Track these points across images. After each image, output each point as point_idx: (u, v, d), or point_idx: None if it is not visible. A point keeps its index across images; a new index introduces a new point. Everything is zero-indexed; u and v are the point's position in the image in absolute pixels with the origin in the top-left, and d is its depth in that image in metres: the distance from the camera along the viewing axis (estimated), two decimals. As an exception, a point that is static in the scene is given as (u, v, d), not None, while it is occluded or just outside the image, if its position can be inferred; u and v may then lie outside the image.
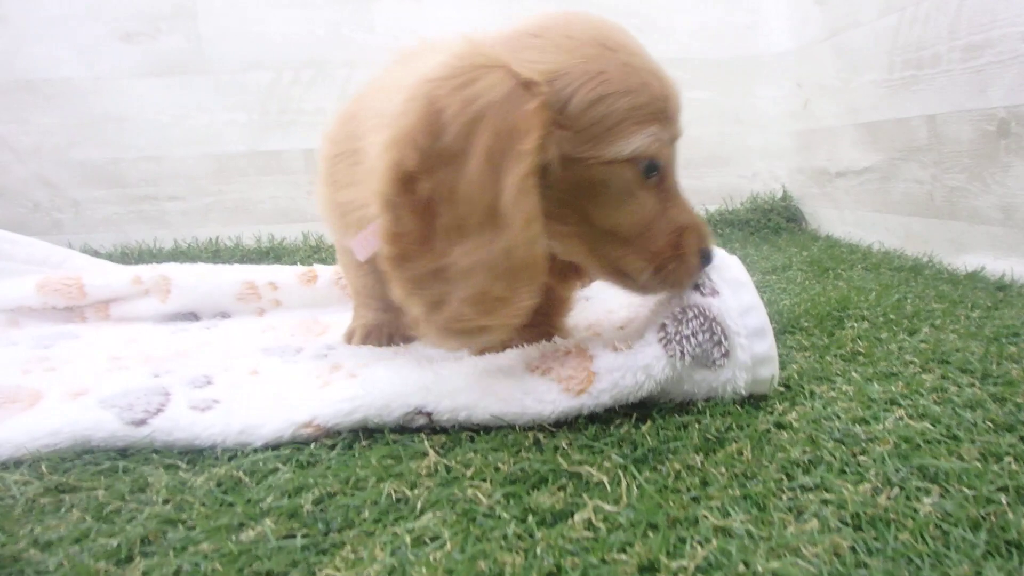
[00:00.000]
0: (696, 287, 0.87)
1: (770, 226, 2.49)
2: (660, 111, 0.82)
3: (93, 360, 1.11)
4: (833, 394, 0.87)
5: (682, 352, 0.82)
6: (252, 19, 2.49)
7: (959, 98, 1.62)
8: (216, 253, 2.40)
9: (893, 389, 0.87)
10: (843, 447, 0.72)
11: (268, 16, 2.50)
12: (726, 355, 0.84)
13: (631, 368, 0.82)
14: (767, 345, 0.84)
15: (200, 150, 2.56)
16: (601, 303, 1.27)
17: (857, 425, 0.77)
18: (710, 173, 2.64)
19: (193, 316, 1.44)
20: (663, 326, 0.85)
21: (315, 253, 2.29)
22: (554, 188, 0.79)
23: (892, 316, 1.20)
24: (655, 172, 0.83)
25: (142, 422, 0.81)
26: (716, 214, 2.58)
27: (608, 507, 0.62)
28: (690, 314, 0.84)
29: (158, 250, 2.46)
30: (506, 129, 0.73)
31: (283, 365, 0.99)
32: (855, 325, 1.17)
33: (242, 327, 1.34)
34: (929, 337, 1.08)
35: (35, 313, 1.42)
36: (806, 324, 1.19)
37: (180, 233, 2.55)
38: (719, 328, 0.84)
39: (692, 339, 0.83)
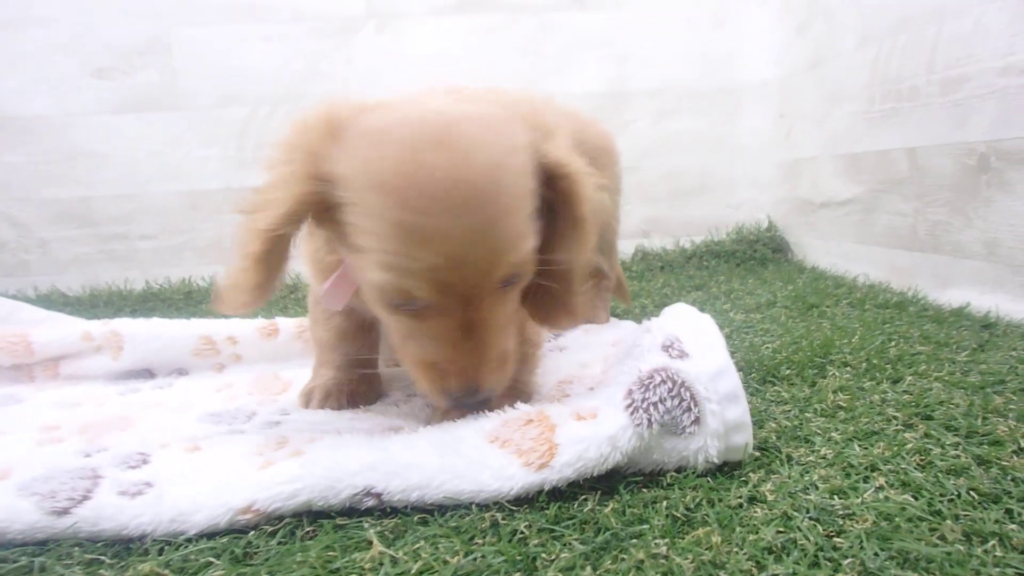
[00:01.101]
0: (664, 348, 0.81)
1: (756, 257, 2.46)
2: (405, 268, 0.79)
3: (27, 431, 1.05)
4: (812, 459, 0.82)
5: (649, 420, 0.77)
6: (228, 53, 2.46)
7: (939, 131, 1.59)
8: (188, 295, 2.34)
9: (874, 452, 0.82)
10: (818, 527, 0.67)
11: (244, 50, 2.47)
12: (696, 422, 0.78)
13: (596, 439, 0.76)
14: (740, 411, 0.79)
15: (174, 187, 2.51)
16: (574, 355, 1.22)
17: (835, 497, 0.72)
18: (694, 203, 2.61)
19: (148, 373, 1.37)
20: (629, 392, 0.79)
21: (291, 293, 2.23)
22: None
23: (875, 361, 1.15)
24: (404, 305, 0.83)
25: (64, 511, 0.75)
26: (702, 245, 2.55)
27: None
28: (657, 379, 0.79)
29: (128, 291, 2.41)
30: (272, 195, 0.86)
31: (228, 438, 0.93)
32: (837, 373, 1.12)
33: (198, 386, 1.28)
34: (912, 386, 1.03)
35: (-18, 372, 1.35)
36: (787, 372, 1.14)
37: (152, 273, 2.50)
38: (688, 394, 0.78)
39: (660, 406, 0.77)
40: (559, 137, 0.89)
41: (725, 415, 0.78)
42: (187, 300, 2.27)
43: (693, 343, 0.81)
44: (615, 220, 1.60)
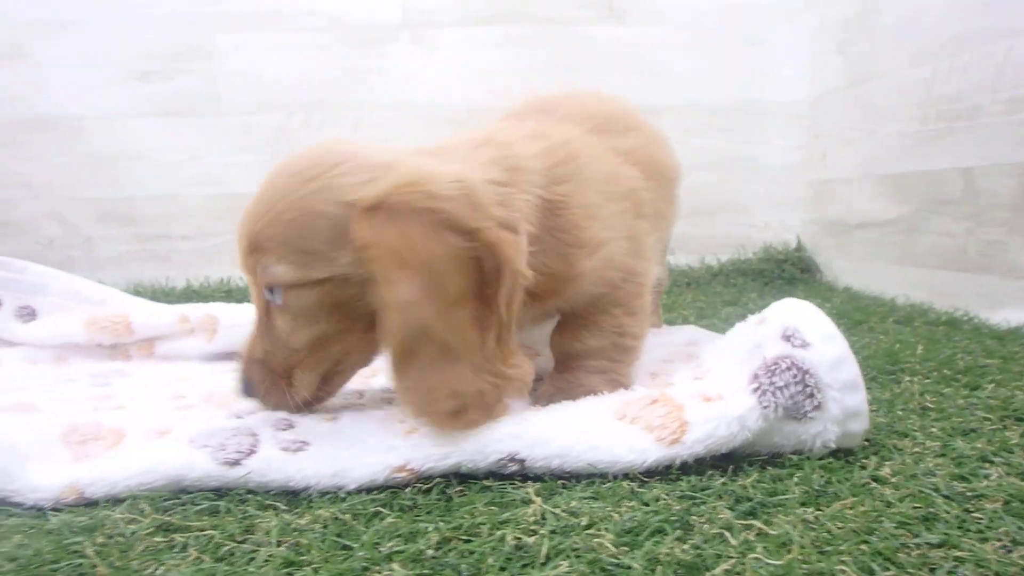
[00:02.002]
0: (785, 338, 0.87)
1: (784, 276, 2.50)
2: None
3: (158, 399, 1.10)
4: (918, 450, 0.87)
5: (775, 404, 0.83)
6: (265, 61, 2.53)
7: (1001, 151, 1.63)
8: (228, 293, 2.39)
9: (979, 446, 0.87)
10: (953, 504, 0.72)
11: (280, 57, 2.53)
12: (818, 408, 0.84)
13: (725, 419, 0.82)
14: (859, 399, 0.85)
15: (210, 190, 2.58)
16: (651, 352, 1.27)
17: (956, 482, 0.77)
18: (719, 221, 2.65)
19: (237, 356, 1.42)
20: (755, 376, 0.85)
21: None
22: None
23: (947, 372, 1.21)
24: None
25: (236, 462, 0.81)
26: (728, 263, 2.59)
27: (741, 561, 0.62)
28: (783, 365, 0.85)
29: (169, 289, 2.46)
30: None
31: (356, 410, 0.99)
32: (913, 379, 1.17)
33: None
34: (995, 393, 1.08)
35: (81, 350, 1.41)
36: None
37: (190, 272, 2.56)
38: (812, 380, 0.84)
39: (785, 391, 0.83)
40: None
41: (845, 402, 0.84)
42: (228, 299, 2.30)
43: (812, 333, 0.87)
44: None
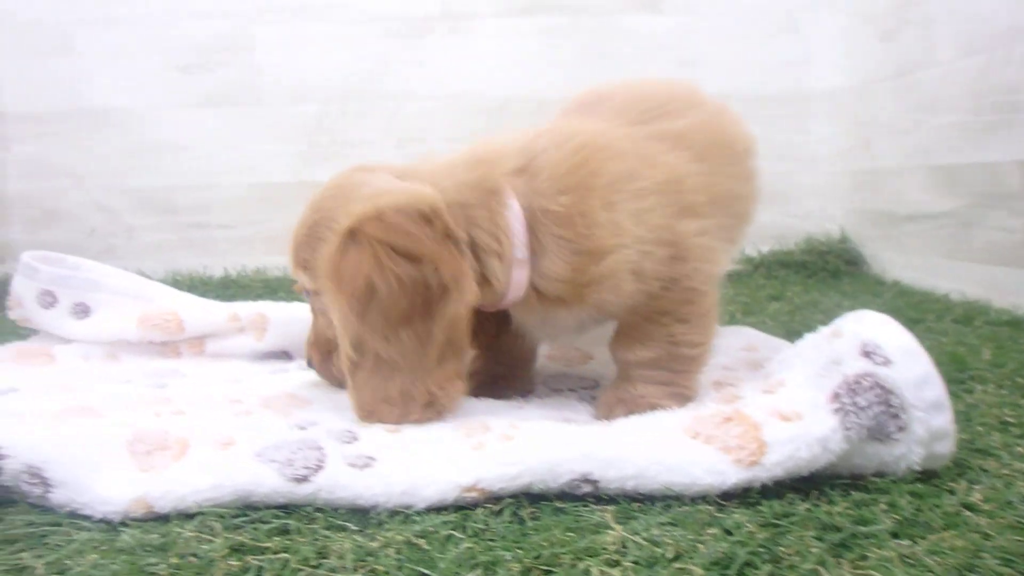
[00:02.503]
0: (865, 354, 0.84)
1: (828, 269, 2.44)
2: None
3: (216, 403, 1.09)
4: (1006, 472, 0.84)
5: (858, 424, 0.80)
6: (304, 52, 2.53)
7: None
8: (266, 283, 2.37)
9: (1071, 469, 0.84)
10: (1055, 537, 0.69)
11: (319, 49, 2.53)
12: (902, 429, 0.81)
13: (806, 440, 0.79)
14: (945, 419, 0.82)
15: (248, 179, 2.59)
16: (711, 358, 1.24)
17: (1054, 511, 0.74)
18: (760, 212, 2.56)
19: (286, 355, 1.42)
20: (836, 395, 0.82)
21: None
22: None
23: (1020, 379, 1.17)
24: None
25: (304, 479, 0.79)
26: (770, 255, 2.53)
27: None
28: (865, 384, 0.82)
29: (208, 277, 2.46)
30: None
31: (421, 424, 0.96)
32: (985, 389, 1.13)
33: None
34: (1081, 406, 1.05)
35: (133, 347, 1.40)
36: (929, 386, 1.16)
37: (228, 261, 2.55)
38: (896, 400, 0.81)
39: (868, 411, 0.80)
40: None
41: (931, 423, 0.81)
42: (265, 288, 2.29)
43: (894, 349, 0.84)
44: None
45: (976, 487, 0.80)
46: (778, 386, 0.94)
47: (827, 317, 1.74)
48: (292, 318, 1.41)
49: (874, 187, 2.38)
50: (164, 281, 2.34)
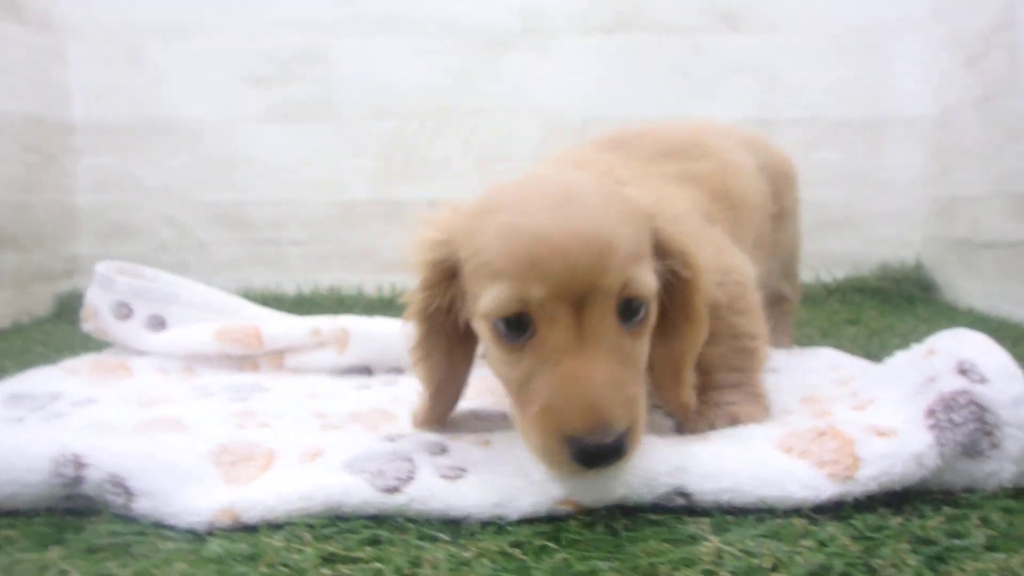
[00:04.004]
0: (961, 372, 0.84)
1: (902, 295, 2.42)
2: (514, 273, 0.80)
3: (301, 416, 1.11)
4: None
5: (953, 441, 0.80)
6: (381, 66, 2.53)
7: None
8: (340, 301, 2.40)
9: None
10: None
11: (396, 63, 2.53)
12: (995, 446, 0.81)
13: (901, 456, 0.79)
14: (1040, 439, 0.82)
15: (324, 196, 2.58)
16: (798, 377, 1.25)
17: None
18: (835, 237, 2.57)
19: (367, 370, 1.43)
20: (931, 411, 0.82)
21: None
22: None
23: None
24: (516, 330, 0.82)
25: (395, 489, 0.80)
26: (845, 281, 2.51)
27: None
28: (961, 401, 0.82)
29: (281, 295, 2.48)
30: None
31: (506, 432, 0.98)
32: (1072, 411, 1.12)
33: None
34: None
35: (210, 360, 1.43)
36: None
37: (301, 279, 2.57)
38: (992, 418, 0.81)
39: (963, 427, 0.80)
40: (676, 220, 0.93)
41: (1024, 441, 0.81)
42: (339, 306, 2.32)
43: (991, 368, 0.84)
44: (799, 244, 1.63)
45: (1068, 505, 0.80)
46: (868, 403, 0.95)
47: (904, 341, 1.73)
48: (375, 333, 1.43)
49: (951, 214, 2.36)
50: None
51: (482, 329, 0.87)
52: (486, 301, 0.82)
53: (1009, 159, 2.04)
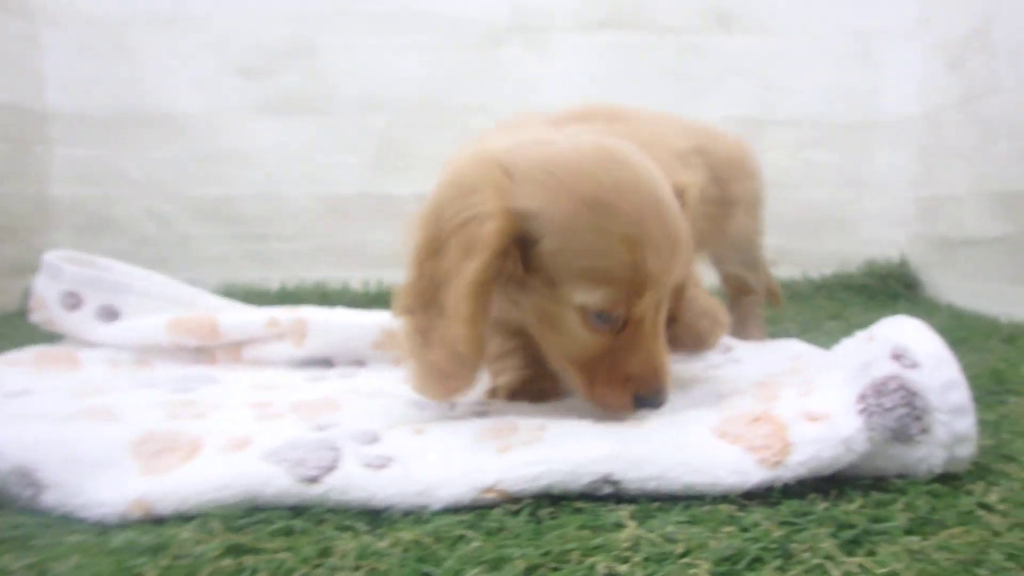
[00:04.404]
0: (894, 358, 0.84)
1: (887, 292, 2.44)
2: (623, 278, 0.89)
3: (241, 407, 1.09)
4: (1029, 476, 0.83)
5: (882, 426, 0.79)
6: (371, 59, 2.51)
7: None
8: (323, 296, 2.38)
9: (1096, 475, 0.83)
10: (1064, 536, 0.68)
11: (387, 57, 2.51)
12: (925, 431, 0.80)
13: (830, 440, 0.79)
14: (968, 424, 0.81)
15: (311, 190, 2.57)
16: (759, 368, 1.24)
17: (1070, 511, 0.73)
18: (825, 236, 2.59)
19: (327, 362, 1.41)
20: (863, 396, 0.82)
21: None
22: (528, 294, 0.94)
23: (1054, 394, 1.15)
24: (609, 322, 0.91)
25: (315, 479, 0.79)
26: (832, 278, 2.53)
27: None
28: (892, 386, 0.81)
29: (265, 290, 2.45)
30: (470, 243, 0.88)
31: (448, 422, 0.97)
32: (1019, 401, 1.12)
33: (381, 377, 1.31)
34: (1106, 416, 1.03)
35: (165, 353, 1.40)
36: (965, 397, 1.14)
37: (287, 274, 2.55)
38: (920, 403, 0.80)
39: (893, 412, 0.80)
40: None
41: (954, 426, 0.80)
42: (324, 302, 2.28)
43: (923, 354, 0.83)
44: (756, 234, 1.61)
45: (994, 488, 0.79)
46: (813, 389, 0.94)
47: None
48: (334, 324, 1.41)
49: (935, 213, 2.37)
50: (218, 294, 2.37)
51: (565, 312, 0.92)
52: (590, 299, 0.90)
53: (988, 159, 2.04)
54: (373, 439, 0.89)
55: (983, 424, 1.00)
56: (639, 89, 2.52)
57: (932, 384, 0.81)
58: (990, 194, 2.03)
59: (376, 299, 2.30)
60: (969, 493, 0.79)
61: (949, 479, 0.82)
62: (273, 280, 2.53)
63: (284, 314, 1.41)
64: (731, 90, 2.53)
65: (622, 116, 1.19)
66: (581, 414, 0.99)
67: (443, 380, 0.93)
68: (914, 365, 0.82)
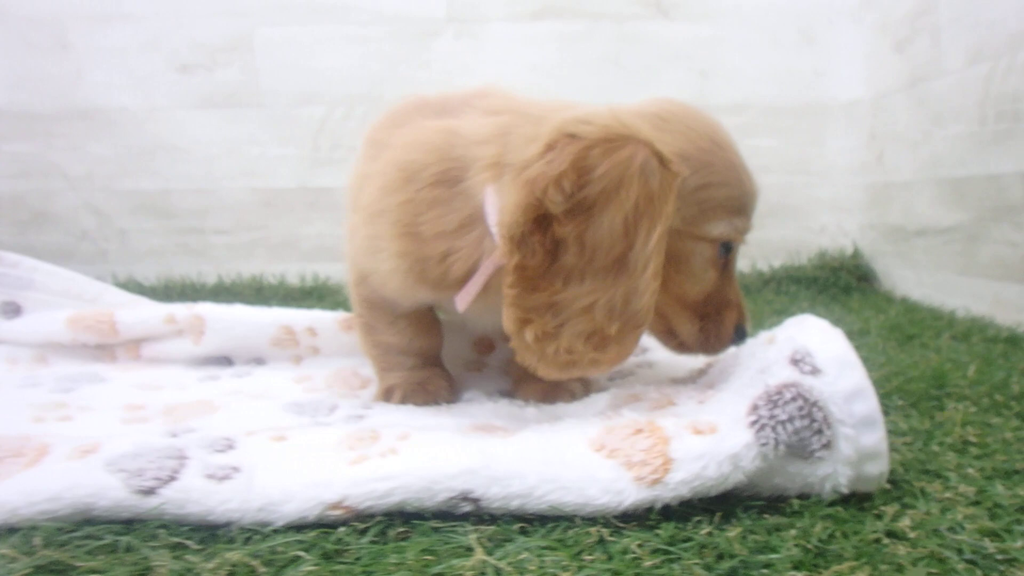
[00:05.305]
0: (793, 363, 0.75)
1: (839, 285, 2.33)
2: (745, 206, 0.95)
3: (112, 409, 1.01)
4: (949, 495, 0.74)
5: (776, 440, 0.70)
6: (307, 53, 2.44)
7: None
8: (259, 291, 2.30)
9: (1021, 493, 0.74)
10: (976, 570, 0.60)
11: (323, 50, 2.45)
12: (827, 446, 0.72)
13: (716, 457, 0.70)
14: (877, 438, 0.72)
15: (249, 183, 2.50)
16: (668, 371, 1.16)
17: (987, 540, 0.64)
18: (774, 225, 2.48)
19: (227, 360, 1.33)
20: (755, 407, 0.73)
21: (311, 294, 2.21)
22: None
23: (998, 397, 1.07)
24: (727, 254, 0.96)
25: (151, 491, 0.71)
26: (781, 270, 2.41)
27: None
28: (787, 395, 0.72)
29: (201, 284, 2.39)
30: (647, 194, 0.83)
31: (315, 429, 0.88)
32: (958, 407, 1.04)
33: (277, 376, 1.25)
34: (1050, 425, 0.95)
35: (65, 350, 1.33)
36: (900, 403, 1.06)
37: (224, 268, 2.48)
38: (820, 414, 0.71)
39: (788, 425, 0.71)
40: None
41: (860, 441, 0.71)
42: (258, 296, 2.23)
43: (827, 358, 0.74)
44: None
45: (909, 511, 0.71)
46: (711, 396, 0.85)
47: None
48: (232, 321, 1.33)
49: (887, 201, 2.27)
50: (156, 287, 2.31)
51: (697, 249, 0.93)
52: (725, 229, 0.92)
53: (935, 143, 1.96)
54: (228, 446, 0.80)
55: (915, 434, 0.93)
56: (576, 78, 2.44)
57: (834, 393, 0.72)
58: (941, 180, 1.94)
59: (311, 292, 2.25)
60: (878, 517, 0.70)
61: (857, 500, 0.74)
62: (210, 274, 2.46)
63: (182, 311, 1.33)
64: (671, 77, 2.44)
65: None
66: (460, 420, 0.91)
67: (603, 348, 0.86)
68: (815, 371, 0.74)
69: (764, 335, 0.86)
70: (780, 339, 0.80)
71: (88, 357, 1.34)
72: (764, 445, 0.70)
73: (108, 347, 1.35)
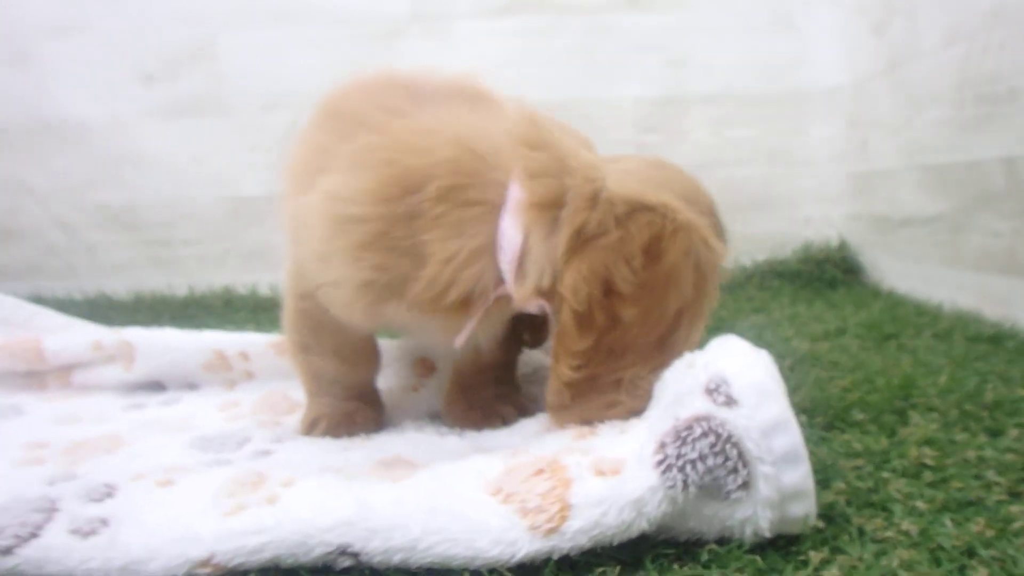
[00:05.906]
0: (708, 392, 0.67)
1: (824, 278, 2.24)
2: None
3: (13, 448, 0.95)
4: (890, 534, 0.66)
5: (685, 482, 0.63)
6: (272, 60, 2.38)
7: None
8: (229, 302, 2.25)
9: (971, 529, 0.66)
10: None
11: (288, 56, 2.38)
12: (744, 486, 0.64)
13: (616, 502, 0.62)
14: (800, 476, 0.64)
15: (217, 193, 2.44)
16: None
17: (923, 593, 0.57)
18: (756, 218, 2.39)
19: (159, 386, 1.27)
20: (662, 445, 0.65)
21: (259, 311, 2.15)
22: None
23: (969, 407, 0.99)
24: None
25: (8, 551, 0.65)
26: (764, 264, 2.33)
27: None
28: (697, 431, 0.65)
29: (171, 297, 2.33)
30: (702, 285, 0.86)
31: (207, 471, 0.81)
32: (922, 421, 0.95)
33: (204, 403, 1.18)
34: (1018, 442, 0.86)
35: (-6, 379, 1.28)
36: (860, 417, 0.98)
37: (194, 279, 2.41)
38: (735, 451, 0.64)
39: (699, 464, 0.63)
40: None
41: (781, 480, 0.64)
42: (227, 307, 2.18)
43: (744, 387, 0.66)
44: None
45: (839, 558, 0.63)
46: (633, 425, 0.78)
47: (797, 332, 1.58)
48: (164, 346, 1.26)
49: (871, 190, 2.19)
50: (126, 302, 2.25)
51: None
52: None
53: (916, 129, 1.87)
54: (107, 494, 0.74)
55: (868, 456, 0.86)
56: (546, 73, 2.37)
57: (750, 427, 0.64)
58: (923, 168, 1.85)
59: (282, 303, 2.17)
60: (802, 564, 0.63)
61: (784, 543, 0.66)
62: (180, 286, 2.40)
63: (109, 336, 1.27)
64: (644, 69, 2.36)
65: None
66: (369, 454, 0.85)
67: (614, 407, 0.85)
68: (730, 401, 0.66)
69: (686, 358, 0.78)
70: (699, 364, 0.72)
71: (16, 386, 1.28)
72: (671, 488, 0.63)
73: (38, 374, 1.28)
